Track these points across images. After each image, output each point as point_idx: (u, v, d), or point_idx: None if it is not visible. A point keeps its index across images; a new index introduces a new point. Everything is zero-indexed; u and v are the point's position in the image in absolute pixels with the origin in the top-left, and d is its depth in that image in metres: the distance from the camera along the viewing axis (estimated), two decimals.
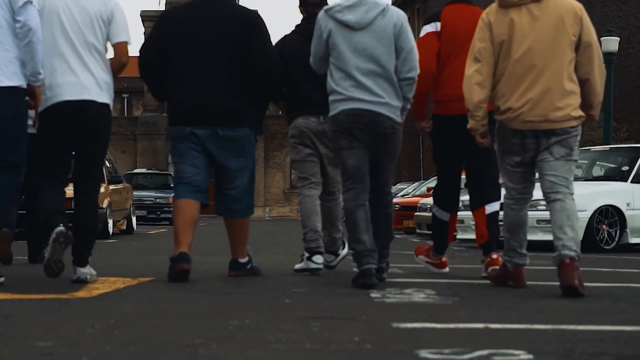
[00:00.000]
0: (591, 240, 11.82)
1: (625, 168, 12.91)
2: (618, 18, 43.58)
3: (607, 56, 21.89)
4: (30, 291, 4.93)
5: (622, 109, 41.51)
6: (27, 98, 5.34)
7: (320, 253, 6.45)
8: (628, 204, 12.16)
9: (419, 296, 4.81)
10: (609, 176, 13.18)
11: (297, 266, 6.57)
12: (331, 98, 5.62)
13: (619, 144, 27.63)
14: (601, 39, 22.62)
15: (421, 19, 45.06)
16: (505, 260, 5.57)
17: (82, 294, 4.84)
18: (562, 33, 5.29)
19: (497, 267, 5.95)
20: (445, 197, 6.58)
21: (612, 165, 13.65)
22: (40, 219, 5.62)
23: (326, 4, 6.37)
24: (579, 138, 5.37)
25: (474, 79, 5.38)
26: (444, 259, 6.71)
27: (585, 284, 5.92)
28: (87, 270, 5.66)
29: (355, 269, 5.61)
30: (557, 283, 5.12)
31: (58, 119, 5.60)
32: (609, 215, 12.00)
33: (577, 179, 13.46)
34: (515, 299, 4.86)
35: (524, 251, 5.52)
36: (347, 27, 5.56)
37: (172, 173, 33.53)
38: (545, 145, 5.31)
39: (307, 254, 6.46)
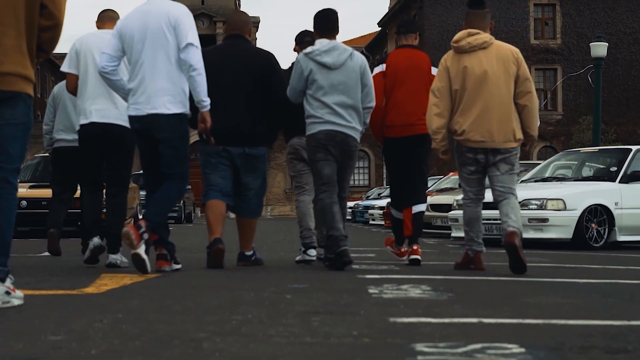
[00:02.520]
0: (581, 238, 11.80)
1: (614, 169, 12.89)
2: (606, 24, 43.60)
3: (596, 61, 21.87)
4: (41, 287, 4.93)
5: (610, 112, 41.55)
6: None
7: (314, 247, 7.31)
8: (616, 203, 12.15)
9: (415, 292, 4.82)
10: (598, 176, 13.15)
11: (297, 258, 7.45)
12: (309, 121, 6.71)
13: (608, 145, 27.65)
14: (590, 44, 22.62)
15: (417, 24, 45.04)
16: (467, 249, 6.69)
17: (90, 289, 4.85)
18: (504, 73, 6.49)
19: (417, 256, 7.25)
20: (398, 200, 7.61)
21: (601, 166, 13.63)
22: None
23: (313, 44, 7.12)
24: (518, 156, 6.59)
25: (433, 111, 6.61)
26: (402, 250, 7.63)
27: (576, 280, 5.98)
28: (118, 256, 6.72)
29: (355, 266, 6.33)
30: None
31: (88, 136, 6.85)
32: (598, 214, 11.98)
33: (567, 179, 13.50)
34: (508, 294, 4.87)
35: (481, 240, 6.65)
36: (325, 67, 6.67)
37: None
38: (492, 161, 6.53)
39: (303, 248, 7.35)
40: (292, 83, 6.73)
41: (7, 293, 3.99)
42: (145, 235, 5.82)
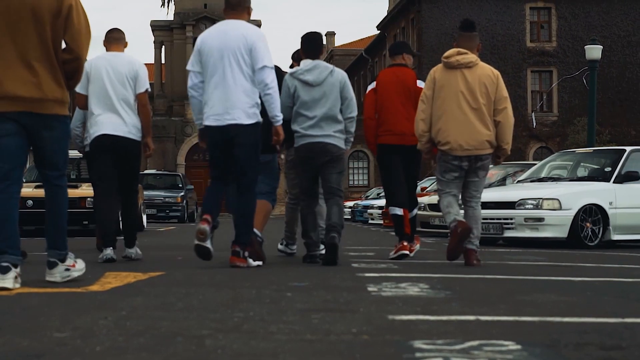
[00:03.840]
0: (576, 237, 11.80)
1: (608, 169, 12.89)
2: (601, 27, 43.61)
3: (591, 63, 21.89)
4: (46, 285, 4.93)
5: (604, 113, 41.54)
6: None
7: (294, 243, 8.43)
8: (610, 203, 12.15)
9: (413, 290, 4.82)
10: (592, 177, 13.14)
11: (280, 247, 8.48)
12: (295, 135, 7.37)
13: (602, 146, 27.65)
14: (585, 47, 22.63)
15: (415, 28, 45.06)
16: (450, 225, 7.07)
17: (95, 287, 4.85)
18: (484, 90, 7.17)
19: (406, 252, 8.01)
20: (397, 198, 8.21)
21: (596, 166, 13.62)
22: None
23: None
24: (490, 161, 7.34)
25: (419, 117, 7.34)
26: (405, 244, 8.11)
27: (571, 278, 5.99)
28: (133, 250, 7.66)
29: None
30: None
31: (99, 146, 7.51)
32: (593, 214, 11.98)
33: (562, 179, 13.50)
34: (504, 292, 4.87)
35: (460, 215, 7.13)
36: (307, 85, 7.31)
37: (180, 174, 33.65)
38: (474, 167, 7.23)
39: (285, 242, 8.44)
40: (282, 100, 7.18)
41: (67, 269, 5.14)
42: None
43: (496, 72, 7.35)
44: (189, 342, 2.90)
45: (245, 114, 6.53)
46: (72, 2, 5.04)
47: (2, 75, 4.94)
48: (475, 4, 43.10)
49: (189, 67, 6.74)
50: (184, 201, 29.04)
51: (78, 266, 5.24)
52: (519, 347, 2.87)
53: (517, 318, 3.65)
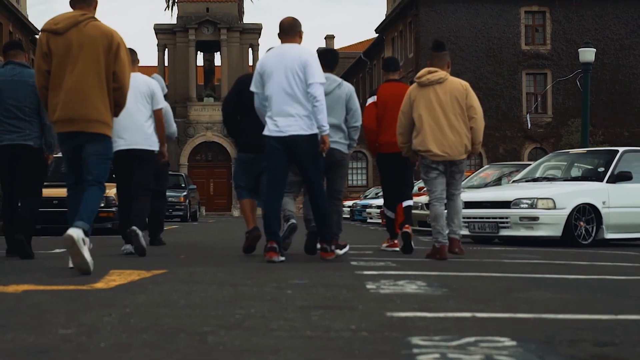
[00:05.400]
0: (570, 236, 11.79)
1: (601, 169, 12.88)
2: (594, 30, 43.61)
3: (585, 66, 21.86)
4: (52, 283, 4.93)
5: (598, 115, 41.54)
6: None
7: (293, 218, 8.43)
8: (604, 202, 12.13)
9: (411, 287, 4.81)
10: (586, 177, 13.12)
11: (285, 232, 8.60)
12: None
13: (596, 147, 27.64)
14: (579, 50, 22.62)
15: (412, 31, 45.05)
16: (433, 242, 7.89)
17: (100, 285, 4.84)
18: (455, 102, 7.82)
19: (408, 230, 8.71)
20: (390, 202, 9.28)
21: (589, 167, 13.60)
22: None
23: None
24: (466, 164, 8.06)
25: (398, 131, 8.11)
26: (395, 242, 9.25)
27: (565, 276, 5.99)
28: (129, 247, 8.23)
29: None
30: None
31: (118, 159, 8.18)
32: (586, 213, 11.96)
33: (557, 179, 13.49)
34: (500, 290, 4.86)
35: (444, 233, 7.82)
36: None
37: (183, 174, 33.67)
38: (449, 170, 7.93)
39: (284, 222, 8.49)
40: None
41: (84, 241, 5.49)
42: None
43: (465, 83, 7.97)
44: (191, 339, 2.90)
45: (304, 125, 7.07)
46: (119, 40, 5.97)
47: (64, 100, 5.84)
48: (472, 7, 43.07)
49: (252, 88, 7.33)
50: (187, 201, 29.03)
51: (89, 254, 5.65)
52: (514, 343, 2.86)
53: (512, 315, 3.65)
